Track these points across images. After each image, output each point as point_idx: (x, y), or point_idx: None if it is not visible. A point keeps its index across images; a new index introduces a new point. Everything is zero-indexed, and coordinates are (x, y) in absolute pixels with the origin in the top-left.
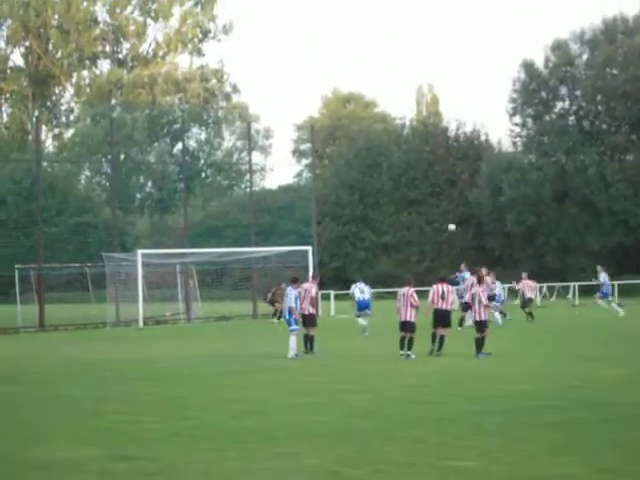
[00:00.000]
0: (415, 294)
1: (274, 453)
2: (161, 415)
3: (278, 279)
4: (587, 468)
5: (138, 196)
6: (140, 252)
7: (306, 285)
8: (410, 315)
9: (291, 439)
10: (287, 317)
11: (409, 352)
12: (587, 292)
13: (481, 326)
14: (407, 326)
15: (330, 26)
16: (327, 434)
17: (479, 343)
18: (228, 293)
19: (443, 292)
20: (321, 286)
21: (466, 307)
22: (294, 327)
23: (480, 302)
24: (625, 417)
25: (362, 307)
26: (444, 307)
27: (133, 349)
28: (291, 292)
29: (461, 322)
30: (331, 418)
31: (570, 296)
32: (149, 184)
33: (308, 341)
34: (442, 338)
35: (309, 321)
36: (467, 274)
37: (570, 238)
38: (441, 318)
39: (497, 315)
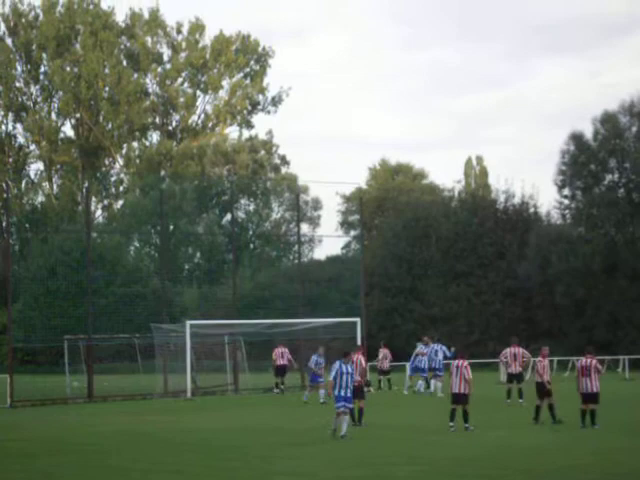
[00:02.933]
0: (469, 367)
1: None
2: None
3: (327, 351)
4: None
5: (186, 267)
6: (189, 323)
7: (354, 357)
8: (464, 387)
9: None
10: (336, 394)
11: (467, 424)
12: (637, 366)
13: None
14: (459, 398)
15: (378, 95)
16: None
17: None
18: None
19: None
20: (369, 358)
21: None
22: (340, 404)
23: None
24: None
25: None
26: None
27: (182, 420)
28: (336, 366)
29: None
30: None
31: (620, 369)
32: (198, 255)
33: (357, 413)
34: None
35: (358, 393)
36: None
37: (620, 311)
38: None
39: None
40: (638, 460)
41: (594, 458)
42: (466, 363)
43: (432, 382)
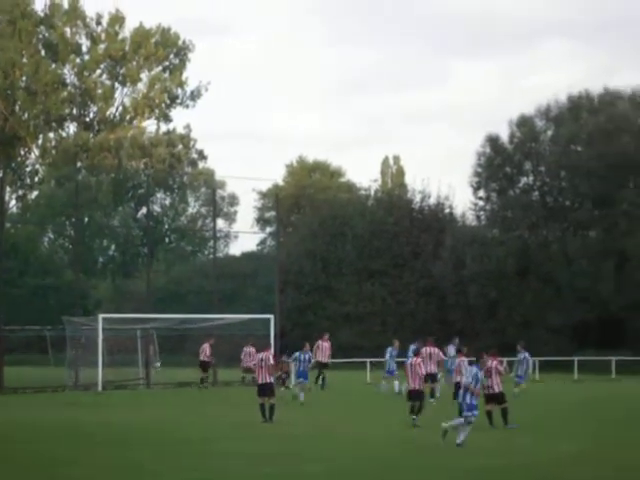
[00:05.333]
0: (422, 364)
1: None
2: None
3: (240, 347)
4: None
5: (101, 260)
6: (101, 317)
7: (262, 354)
8: (419, 384)
9: None
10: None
11: (415, 417)
12: (547, 367)
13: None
14: (415, 395)
15: (296, 92)
16: None
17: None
18: (189, 359)
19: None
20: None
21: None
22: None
23: (498, 373)
24: None
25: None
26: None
27: (93, 413)
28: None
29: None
30: None
31: (530, 371)
32: (112, 248)
33: (267, 410)
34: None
35: (268, 390)
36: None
37: (531, 313)
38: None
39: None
40: (541, 459)
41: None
42: (419, 360)
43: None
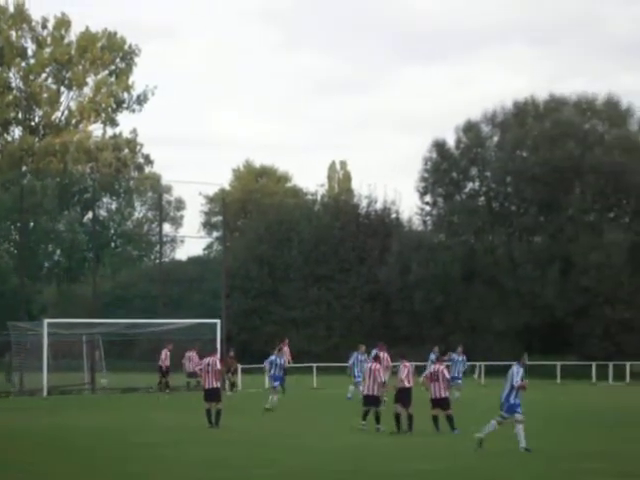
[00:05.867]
0: (382, 370)
1: None
2: None
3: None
4: None
5: (46, 264)
6: (46, 322)
7: (209, 359)
8: (376, 389)
9: None
10: None
11: (378, 425)
12: (493, 372)
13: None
14: (370, 400)
15: (243, 99)
16: None
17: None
18: (136, 364)
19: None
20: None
21: None
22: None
23: (444, 379)
24: None
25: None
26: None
27: (37, 419)
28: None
29: None
30: None
31: (476, 375)
32: (58, 252)
33: (214, 415)
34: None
35: (214, 395)
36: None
37: (477, 318)
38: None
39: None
40: (489, 464)
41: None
42: (379, 366)
43: None
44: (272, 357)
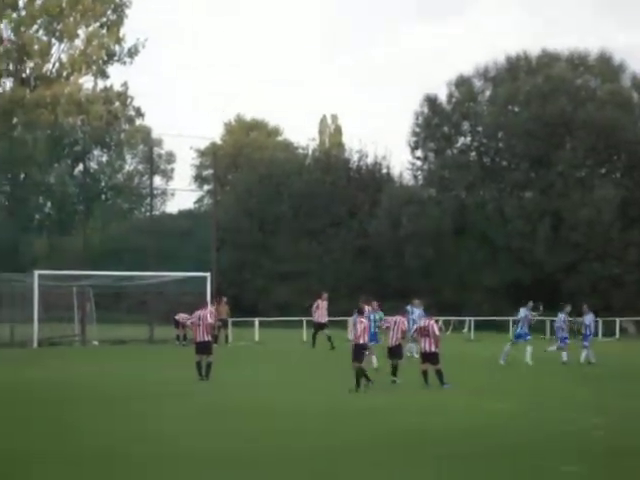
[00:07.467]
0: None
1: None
2: (51, 437)
3: (177, 304)
4: None
5: (37, 217)
6: (37, 273)
7: (200, 312)
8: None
9: (184, 466)
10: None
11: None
12: (482, 327)
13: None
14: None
15: (235, 52)
16: (222, 460)
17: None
18: (126, 316)
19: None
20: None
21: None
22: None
23: (434, 334)
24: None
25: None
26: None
27: (27, 370)
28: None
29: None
30: (225, 445)
31: (465, 330)
32: (48, 205)
33: (204, 368)
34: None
35: (205, 348)
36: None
37: (467, 273)
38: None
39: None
40: (478, 419)
41: (443, 418)
42: (404, 319)
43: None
44: (366, 313)
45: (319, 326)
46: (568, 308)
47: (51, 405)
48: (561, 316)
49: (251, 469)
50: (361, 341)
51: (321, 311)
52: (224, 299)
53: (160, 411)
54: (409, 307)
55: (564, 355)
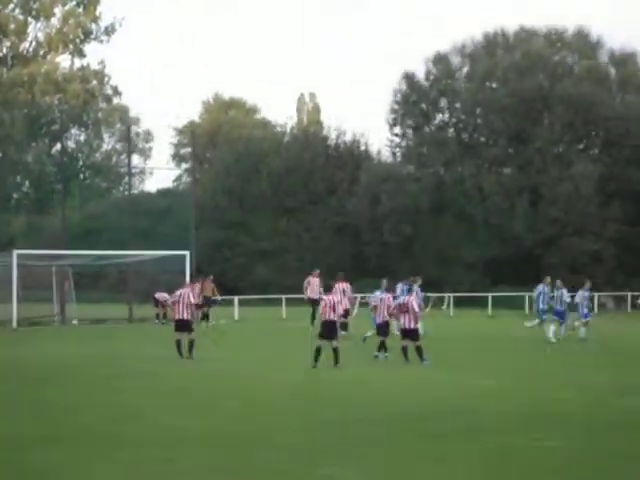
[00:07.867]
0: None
1: (146, 457)
2: (32, 418)
3: (155, 283)
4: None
5: (15, 196)
6: (15, 252)
7: (181, 291)
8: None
9: (164, 444)
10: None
11: (377, 353)
12: (461, 303)
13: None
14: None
15: (213, 30)
16: (202, 439)
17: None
18: (105, 296)
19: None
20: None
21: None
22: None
23: (413, 310)
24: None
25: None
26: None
27: (6, 350)
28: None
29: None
30: (205, 423)
31: (445, 307)
32: (26, 184)
33: (186, 345)
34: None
35: (185, 326)
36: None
37: (446, 249)
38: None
39: None
40: (459, 395)
41: (423, 393)
42: (390, 296)
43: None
44: (540, 287)
45: (313, 302)
46: (588, 284)
47: (31, 384)
48: (582, 293)
49: (231, 448)
50: (330, 317)
51: (312, 287)
52: (210, 277)
53: (140, 389)
54: (407, 286)
55: (582, 331)
